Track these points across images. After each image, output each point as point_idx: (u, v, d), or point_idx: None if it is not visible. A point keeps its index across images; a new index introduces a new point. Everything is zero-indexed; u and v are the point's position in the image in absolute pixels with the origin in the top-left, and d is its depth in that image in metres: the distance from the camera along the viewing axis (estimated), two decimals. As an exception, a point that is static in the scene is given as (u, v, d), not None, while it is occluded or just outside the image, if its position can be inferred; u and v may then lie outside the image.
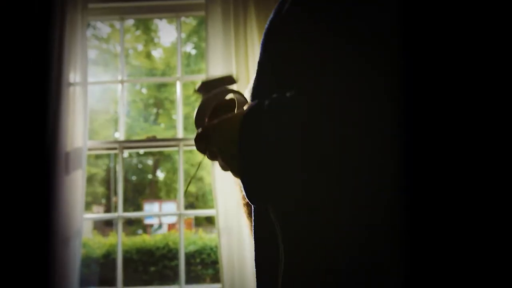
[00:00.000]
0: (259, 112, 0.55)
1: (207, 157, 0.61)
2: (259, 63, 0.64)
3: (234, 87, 0.86)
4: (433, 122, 0.49)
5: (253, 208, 0.65)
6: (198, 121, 0.63)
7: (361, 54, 0.50)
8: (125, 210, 4.49)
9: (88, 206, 10.99)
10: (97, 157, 11.58)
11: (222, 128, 0.58)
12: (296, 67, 0.57)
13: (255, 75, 0.66)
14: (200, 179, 12.36)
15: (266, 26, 0.64)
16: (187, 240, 5.22)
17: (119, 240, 2.55)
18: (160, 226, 10.10)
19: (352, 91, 0.50)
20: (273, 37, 0.62)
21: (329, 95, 0.51)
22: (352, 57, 0.51)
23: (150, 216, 10.78)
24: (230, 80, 0.86)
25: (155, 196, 12.51)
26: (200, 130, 0.61)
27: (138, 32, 12.08)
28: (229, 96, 0.66)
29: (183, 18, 4.17)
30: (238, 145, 0.55)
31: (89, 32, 10.13)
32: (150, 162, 13.35)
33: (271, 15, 0.63)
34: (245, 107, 0.60)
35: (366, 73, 0.50)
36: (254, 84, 0.65)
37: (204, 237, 5.44)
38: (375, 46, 0.50)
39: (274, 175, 0.53)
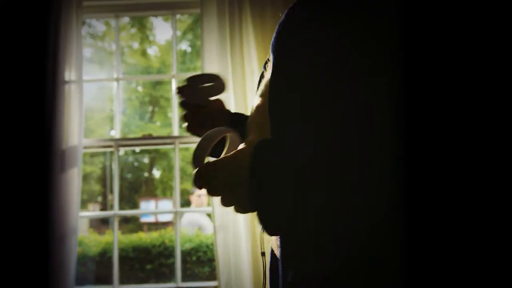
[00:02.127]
0: (267, 149, 0.56)
1: (207, 193, 0.62)
2: (273, 66, 0.64)
3: (222, 90, 0.87)
4: (434, 123, 0.49)
5: None
6: (197, 160, 0.64)
7: (366, 64, 0.51)
8: (121, 208, 4.46)
9: (84, 205, 10.95)
10: (93, 155, 11.54)
11: (226, 167, 0.59)
12: (304, 83, 0.58)
13: (268, 72, 0.67)
14: (196, 177, 12.30)
15: (277, 28, 0.64)
16: (183, 238, 5.22)
17: (115, 238, 2.55)
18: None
19: (357, 111, 0.51)
20: (282, 41, 0.62)
21: (334, 116, 0.52)
22: (358, 70, 0.51)
23: (146, 214, 10.76)
24: (214, 78, 0.87)
25: (151, 194, 12.48)
26: (199, 169, 0.61)
27: (133, 30, 12.04)
28: (225, 134, 0.69)
29: (178, 16, 4.16)
30: (249, 181, 0.55)
31: (84, 30, 10.10)
32: (146, 160, 13.32)
33: (282, 18, 0.64)
34: (239, 145, 0.62)
35: (372, 87, 0.50)
36: (269, 82, 0.65)
37: (200, 234, 5.44)
38: (379, 52, 0.50)
39: (289, 207, 0.54)
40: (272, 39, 0.64)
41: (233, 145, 0.68)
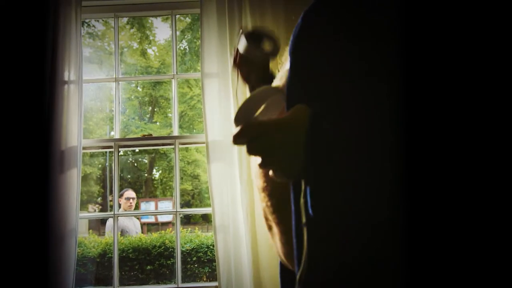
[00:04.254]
0: (320, 121, 0.56)
1: (247, 151, 0.61)
2: (290, 68, 0.64)
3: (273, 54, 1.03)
4: (433, 124, 0.49)
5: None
6: (242, 117, 0.64)
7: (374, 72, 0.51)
8: (120, 208, 4.47)
9: (83, 206, 10.95)
10: (92, 155, 11.55)
11: (280, 127, 0.58)
12: (317, 80, 0.59)
13: (287, 76, 0.67)
14: (196, 177, 12.34)
15: (294, 32, 0.65)
16: (183, 238, 5.22)
17: (115, 239, 2.55)
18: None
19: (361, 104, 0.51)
20: (299, 45, 0.63)
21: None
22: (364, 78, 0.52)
23: (146, 215, 10.77)
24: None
25: (151, 194, 12.49)
26: (244, 125, 0.60)
27: (133, 30, 12.04)
28: (273, 96, 0.67)
29: (178, 16, 4.15)
30: (306, 148, 0.55)
31: (83, 30, 10.09)
32: (145, 160, 13.32)
33: (299, 21, 0.65)
34: (280, 109, 0.62)
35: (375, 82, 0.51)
36: (288, 84, 0.65)
37: (200, 235, 5.44)
38: (380, 53, 0.51)
39: (339, 186, 0.53)
40: (290, 41, 0.64)
41: (273, 106, 0.66)
